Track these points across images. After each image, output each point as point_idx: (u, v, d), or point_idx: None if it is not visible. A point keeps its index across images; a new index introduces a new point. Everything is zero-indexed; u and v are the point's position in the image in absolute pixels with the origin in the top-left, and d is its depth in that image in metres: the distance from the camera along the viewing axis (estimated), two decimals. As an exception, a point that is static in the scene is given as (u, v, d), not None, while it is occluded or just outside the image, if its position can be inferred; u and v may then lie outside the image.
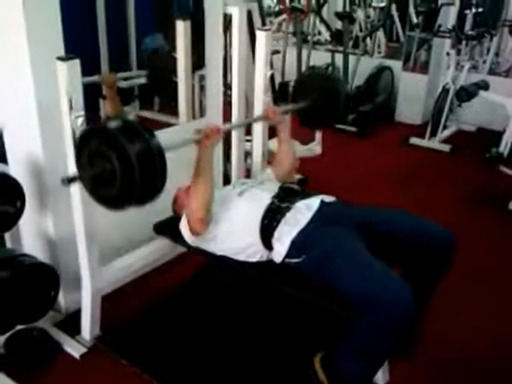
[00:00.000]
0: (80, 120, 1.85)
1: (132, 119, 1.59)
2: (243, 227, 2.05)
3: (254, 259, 2.07)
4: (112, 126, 1.54)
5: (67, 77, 1.78)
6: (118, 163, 1.49)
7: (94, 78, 3.12)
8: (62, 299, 2.40)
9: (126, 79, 4.63)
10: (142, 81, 4.71)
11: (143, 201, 1.60)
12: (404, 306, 1.66)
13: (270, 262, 2.05)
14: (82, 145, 1.61)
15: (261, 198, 2.09)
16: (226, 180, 3.16)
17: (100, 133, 1.57)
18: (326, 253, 1.88)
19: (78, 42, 2.28)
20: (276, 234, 1.99)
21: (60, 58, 1.78)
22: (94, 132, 1.59)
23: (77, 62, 1.79)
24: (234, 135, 2.83)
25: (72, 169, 1.95)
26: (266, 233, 2.01)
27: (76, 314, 2.36)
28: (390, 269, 1.77)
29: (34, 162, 2.20)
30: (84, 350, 2.25)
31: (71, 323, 2.37)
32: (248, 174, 3.01)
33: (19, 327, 2.20)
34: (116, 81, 3.27)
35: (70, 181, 1.65)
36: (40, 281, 2.13)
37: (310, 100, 2.48)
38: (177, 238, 2.18)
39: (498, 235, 3.46)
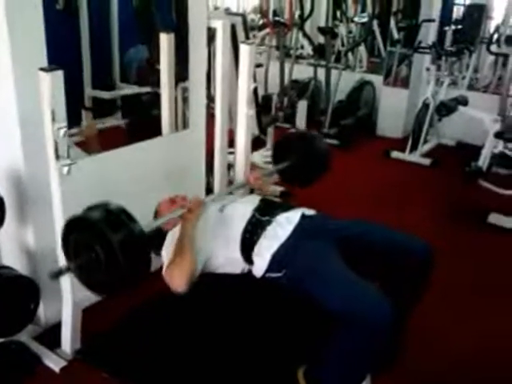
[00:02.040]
0: (62, 131, 1.84)
1: (114, 205, 1.62)
2: (225, 242, 2.04)
3: (237, 271, 2.07)
4: (93, 217, 1.57)
5: (50, 88, 1.77)
6: (101, 252, 1.53)
7: (74, 131, 3.24)
8: (42, 312, 2.37)
9: (108, 90, 4.64)
10: (125, 92, 4.72)
11: (130, 282, 1.65)
12: (382, 318, 1.67)
13: (252, 275, 2.05)
14: (66, 236, 1.64)
15: (242, 211, 2.09)
16: (209, 192, 3.16)
17: (82, 224, 1.60)
18: (306, 267, 1.88)
19: (60, 55, 2.27)
20: (256, 249, 1.99)
21: (43, 69, 1.78)
22: (77, 223, 1.62)
23: (60, 73, 1.79)
24: (217, 147, 2.84)
25: (53, 183, 1.95)
26: (247, 247, 2.01)
27: (56, 327, 2.33)
28: (368, 282, 1.78)
29: (14, 173, 2.18)
30: (64, 363, 2.22)
31: (51, 336, 2.34)
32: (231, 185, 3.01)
33: (-2, 340, 2.17)
34: (96, 132, 3.41)
35: (57, 274, 1.68)
36: (19, 293, 2.11)
37: (290, 160, 2.52)
38: (158, 251, 2.17)
39: (477, 249, 3.50)
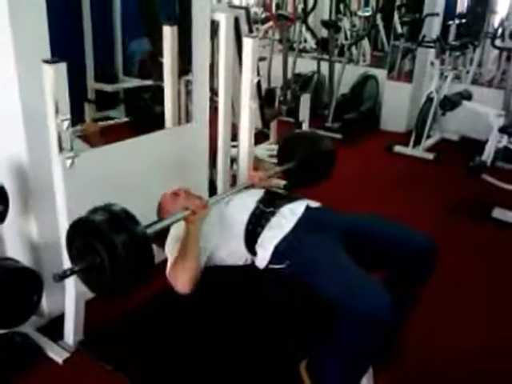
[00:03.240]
0: (66, 123, 1.84)
1: (117, 208, 1.62)
2: (228, 233, 2.04)
3: (240, 262, 2.07)
4: (97, 219, 1.58)
5: (53, 80, 1.77)
6: (105, 254, 1.54)
7: (77, 128, 3.22)
8: (45, 304, 2.38)
9: (111, 83, 4.64)
10: (128, 85, 4.72)
11: (134, 283, 1.67)
12: (382, 310, 1.67)
13: (255, 267, 2.05)
14: (71, 238, 1.65)
15: (246, 203, 2.09)
16: (212, 186, 3.16)
17: (85, 227, 1.61)
18: (310, 260, 1.88)
19: (63, 47, 2.27)
20: (259, 241, 1.99)
21: (46, 61, 1.78)
22: (80, 226, 1.63)
23: (63, 66, 1.79)
24: (220, 141, 2.83)
25: (56, 175, 1.95)
26: (251, 238, 2.01)
27: (59, 319, 2.34)
28: (370, 276, 1.78)
29: (18, 165, 2.18)
30: (67, 354, 2.24)
31: (54, 328, 2.35)
32: (234, 180, 3.01)
33: (1, 332, 2.18)
34: (98, 130, 3.42)
35: (61, 277, 1.65)
36: (23, 285, 2.11)
37: (296, 161, 2.52)
38: (162, 243, 2.17)
39: (481, 243, 3.50)
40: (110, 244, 1.54)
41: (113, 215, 1.60)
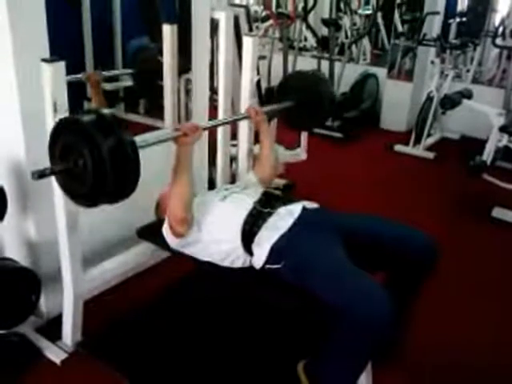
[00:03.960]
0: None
1: (108, 113, 1.56)
2: (225, 232, 2.03)
3: (237, 265, 2.05)
4: (85, 120, 1.52)
5: (52, 79, 1.76)
6: (90, 158, 1.48)
7: (79, 76, 3.10)
8: (44, 304, 2.37)
9: (110, 81, 4.61)
10: (128, 83, 4.69)
11: (115, 197, 1.59)
12: (381, 314, 1.66)
13: (253, 269, 2.04)
14: (55, 137, 1.60)
15: (243, 202, 2.08)
16: (211, 184, 3.15)
17: (72, 126, 1.56)
18: (306, 259, 1.87)
19: (63, 45, 2.26)
20: (256, 240, 1.98)
21: (45, 60, 1.77)
22: (67, 124, 1.58)
23: (62, 65, 1.78)
24: (220, 139, 2.82)
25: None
26: (247, 238, 2.00)
27: (57, 319, 2.33)
28: (369, 277, 1.76)
29: (16, 164, 2.17)
30: (65, 355, 2.22)
31: (52, 328, 2.34)
32: (233, 178, 3.00)
33: (-1, 332, 2.17)
34: (101, 79, 3.28)
35: (40, 175, 1.58)
36: (21, 285, 2.10)
37: (294, 100, 2.48)
38: (160, 242, 2.16)
39: (481, 242, 3.49)
40: (94, 146, 1.47)
41: (102, 118, 1.54)
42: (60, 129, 1.59)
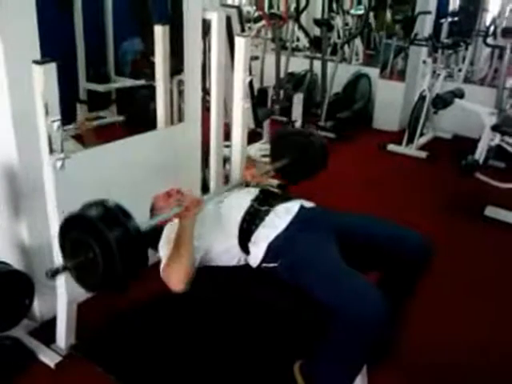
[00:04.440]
0: (56, 124, 1.81)
1: (111, 204, 1.60)
2: (222, 231, 2.03)
3: (232, 263, 2.05)
4: (90, 215, 1.56)
5: (43, 81, 1.75)
6: (99, 250, 1.52)
7: (70, 127, 3.28)
8: (37, 307, 2.36)
9: (103, 83, 4.61)
10: (119, 85, 4.69)
11: (125, 283, 1.64)
12: (375, 314, 1.66)
13: (248, 268, 2.04)
14: (63, 234, 1.64)
15: (240, 201, 2.09)
16: (205, 186, 3.15)
17: (79, 222, 1.59)
18: (302, 259, 1.88)
19: (54, 47, 2.25)
20: (253, 238, 1.98)
21: (36, 62, 1.75)
22: (73, 221, 1.61)
23: (53, 66, 1.77)
24: (213, 141, 2.82)
25: (47, 177, 1.93)
26: (244, 237, 2.00)
27: (51, 322, 2.32)
28: (364, 277, 1.77)
29: (8, 167, 2.16)
30: (59, 358, 2.21)
31: (46, 331, 2.33)
32: (227, 179, 3.00)
33: (-8, 336, 2.16)
34: (92, 127, 3.45)
35: (54, 274, 1.64)
36: (14, 288, 2.09)
37: (288, 158, 2.52)
38: (156, 245, 2.15)
39: (474, 241, 3.50)
40: (103, 240, 1.51)
41: (107, 210, 1.57)
42: (67, 225, 1.63)
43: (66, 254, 1.66)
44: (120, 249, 1.51)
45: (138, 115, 3.57)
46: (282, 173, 2.62)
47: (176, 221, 1.96)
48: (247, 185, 2.35)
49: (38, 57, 1.95)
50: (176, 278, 1.90)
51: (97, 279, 1.60)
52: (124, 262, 1.54)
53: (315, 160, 2.58)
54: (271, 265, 1.94)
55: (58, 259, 2.08)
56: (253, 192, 2.16)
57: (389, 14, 6.04)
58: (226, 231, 2.02)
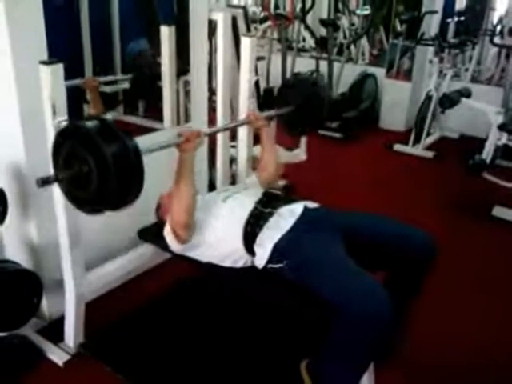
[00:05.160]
0: (63, 125, 1.83)
1: (110, 120, 1.57)
2: (227, 233, 2.04)
3: (239, 265, 2.06)
4: (88, 126, 1.53)
5: (50, 81, 1.76)
6: (94, 164, 1.49)
7: (77, 82, 3.10)
8: (46, 306, 2.38)
9: (109, 84, 4.61)
10: (126, 85, 4.69)
11: (119, 204, 1.60)
12: (378, 309, 1.66)
13: (255, 269, 2.05)
14: (58, 145, 1.60)
15: (244, 203, 2.09)
16: (211, 186, 3.16)
17: (76, 133, 1.56)
18: (308, 259, 1.88)
19: (61, 48, 2.26)
20: (258, 240, 1.98)
21: (43, 62, 1.77)
22: (70, 132, 1.58)
23: (60, 67, 1.78)
24: (219, 141, 2.83)
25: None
26: (249, 238, 2.00)
27: (59, 321, 2.33)
28: (370, 276, 1.77)
29: (16, 167, 2.17)
30: (67, 357, 2.23)
31: (55, 330, 2.34)
32: (233, 179, 3.01)
33: (1, 334, 2.17)
34: (99, 85, 3.29)
35: (44, 182, 1.59)
36: (23, 287, 2.10)
37: (292, 105, 2.50)
38: (161, 243, 2.17)
39: (481, 241, 3.49)
40: (99, 154, 1.48)
41: (105, 124, 1.55)
42: (63, 136, 1.60)
43: (58, 165, 1.61)
44: (116, 164, 1.48)
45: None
46: (284, 121, 2.61)
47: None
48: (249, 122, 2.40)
49: (45, 57, 1.97)
50: (180, 211, 1.96)
51: (89, 195, 1.56)
52: (119, 179, 1.50)
53: (317, 110, 2.57)
54: (277, 266, 1.95)
55: (65, 256, 2.10)
56: (256, 194, 2.16)
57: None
58: (231, 234, 2.03)
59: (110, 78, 3.90)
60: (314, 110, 2.53)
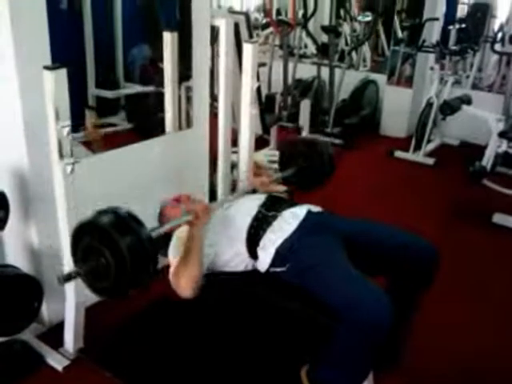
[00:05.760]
0: (66, 130, 1.83)
1: (124, 211, 1.63)
2: (230, 238, 2.04)
3: (239, 269, 2.06)
4: (103, 221, 1.58)
5: (54, 86, 1.77)
6: (110, 257, 1.55)
7: (80, 135, 3.33)
8: (46, 311, 2.38)
9: (112, 89, 4.64)
10: (128, 91, 4.72)
11: (137, 286, 1.66)
12: (380, 315, 1.66)
13: (256, 273, 2.05)
14: (76, 241, 1.65)
15: (248, 207, 2.09)
16: (212, 192, 3.16)
17: (91, 228, 1.61)
18: (310, 263, 1.88)
19: (64, 53, 2.27)
20: (261, 244, 1.99)
21: (47, 68, 1.78)
22: (86, 228, 1.63)
23: (63, 72, 1.79)
24: (220, 147, 2.83)
25: (57, 181, 1.95)
26: (252, 242, 2.01)
27: (59, 326, 2.33)
28: (371, 281, 1.77)
29: (19, 171, 2.18)
30: (67, 362, 2.22)
31: (54, 335, 2.34)
32: (234, 185, 3.01)
33: (0, 339, 2.17)
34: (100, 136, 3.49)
35: (66, 279, 1.66)
36: (23, 292, 2.11)
37: (296, 166, 2.54)
38: (162, 249, 2.16)
39: (482, 248, 3.49)
40: (115, 247, 1.53)
41: (118, 217, 1.60)
42: (80, 232, 1.65)
43: (77, 259, 1.67)
44: (132, 256, 1.54)
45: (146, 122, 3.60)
46: (291, 181, 2.63)
47: (185, 227, 1.96)
48: (254, 191, 2.36)
49: (48, 62, 1.98)
50: (184, 285, 1.91)
51: (107, 286, 1.62)
52: (135, 269, 1.56)
53: (322, 167, 2.58)
54: (279, 269, 1.95)
55: (68, 264, 2.10)
56: (260, 197, 2.17)
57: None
58: (234, 237, 2.03)
59: (112, 128, 4.03)
60: (316, 165, 2.57)
